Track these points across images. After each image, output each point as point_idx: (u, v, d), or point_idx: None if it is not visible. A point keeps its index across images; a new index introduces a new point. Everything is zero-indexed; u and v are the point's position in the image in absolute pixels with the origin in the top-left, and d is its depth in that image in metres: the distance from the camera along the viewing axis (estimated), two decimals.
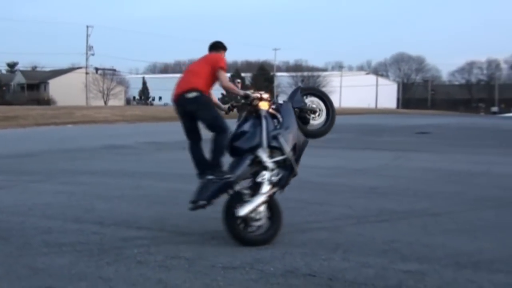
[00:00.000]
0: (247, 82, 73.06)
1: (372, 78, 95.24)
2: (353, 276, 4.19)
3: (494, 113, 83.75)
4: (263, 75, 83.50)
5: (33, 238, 5.30)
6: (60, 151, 14.56)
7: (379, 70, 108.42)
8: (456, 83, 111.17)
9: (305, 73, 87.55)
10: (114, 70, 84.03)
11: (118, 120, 33.96)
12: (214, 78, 5.63)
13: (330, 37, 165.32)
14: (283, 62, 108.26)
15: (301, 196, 7.71)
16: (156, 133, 21.72)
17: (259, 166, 5.33)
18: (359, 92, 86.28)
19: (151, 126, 28.87)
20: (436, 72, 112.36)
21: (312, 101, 5.98)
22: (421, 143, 18.92)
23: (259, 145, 5.34)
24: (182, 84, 5.56)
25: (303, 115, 5.84)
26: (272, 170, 5.34)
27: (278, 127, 5.52)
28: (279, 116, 5.60)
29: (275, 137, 5.40)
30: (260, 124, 5.45)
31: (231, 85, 5.75)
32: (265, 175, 5.28)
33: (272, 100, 5.79)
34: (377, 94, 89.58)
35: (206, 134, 5.70)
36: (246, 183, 5.35)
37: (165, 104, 78.58)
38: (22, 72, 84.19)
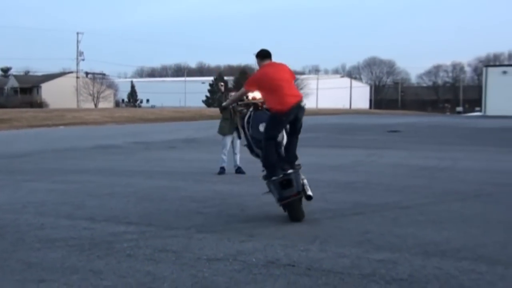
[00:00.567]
0: (230, 85, 73.13)
1: (346, 80, 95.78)
2: (330, 265, 4.20)
3: (459, 112, 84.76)
4: (244, 78, 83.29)
5: (26, 234, 5.22)
6: (52, 151, 14.38)
7: (352, 73, 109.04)
8: (424, 85, 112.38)
9: None
10: (104, 74, 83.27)
11: (107, 121, 33.66)
12: None
13: (308, 42, 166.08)
14: None
15: None
16: (144, 134, 21.56)
17: None
18: (334, 94, 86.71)
19: (139, 127, 28.65)
20: (405, 74, 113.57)
21: None
22: (392, 141, 19.08)
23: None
24: (296, 94, 6.00)
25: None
26: None
27: None
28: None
29: None
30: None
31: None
32: None
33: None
34: (351, 95, 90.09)
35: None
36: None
37: (152, 106, 78.19)
38: (16, 76, 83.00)
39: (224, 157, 9.92)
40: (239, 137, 9.31)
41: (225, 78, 72.88)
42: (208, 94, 79.99)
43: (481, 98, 57.08)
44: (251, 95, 6.20)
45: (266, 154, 5.85)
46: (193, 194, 7.42)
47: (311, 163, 11.62)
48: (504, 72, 52.93)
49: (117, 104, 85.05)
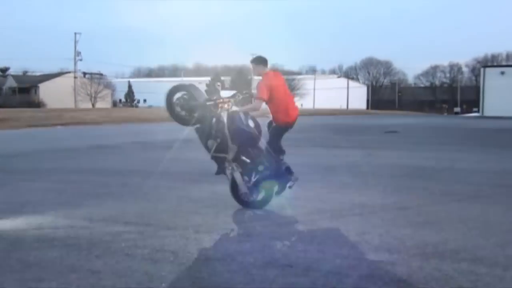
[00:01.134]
0: (227, 85, 73.04)
1: (343, 81, 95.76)
2: (328, 266, 4.20)
3: (457, 113, 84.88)
4: (241, 78, 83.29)
5: (25, 234, 5.21)
6: (50, 151, 14.34)
7: (350, 74, 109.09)
8: (421, 85, 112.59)
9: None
10: (101, 74, 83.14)
11: (105, 121, 33.60)
12: None
13: (305, 43, 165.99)
14: None
15: None
16: (142, 134, 21.52)
17: None
18: (331, 94, 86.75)
19: (136, 127, 28.61)
20: (402, 75, 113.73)
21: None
22: (390, 141, 19.09)
23: None
24: (296, 106, 6.89)
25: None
26: None
27: None
28: None
29: None
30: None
31: None
32: None
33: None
34: (348, 96, 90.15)
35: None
36: None
37: (150, 106, 78.02)
38: (14, 76, 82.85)
39: None
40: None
41: (222, 78, 72.54)
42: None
43: (479, 99, 57.14)
44: (224, 96, 6.30)
45: (278, 166, 6.35)
46: (191, 194, 7.42)
47: (307, 163, 11.61)
48: (502, 73, 52.96)
49: (114, 104, 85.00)
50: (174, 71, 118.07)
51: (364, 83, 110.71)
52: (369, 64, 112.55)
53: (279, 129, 6.62)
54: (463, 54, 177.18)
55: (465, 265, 4.22)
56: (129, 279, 3.91)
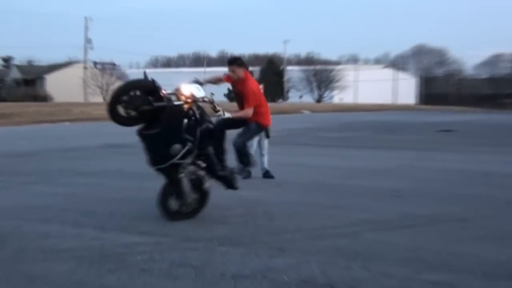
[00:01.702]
0: (255, 76, 72.43)
1: (390, 72, 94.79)
2: (375, 287, 4.12)
3: None
4: (272, 69, 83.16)
5: (30, 244, 5.27)
6: (56, 150, 14.56)
7: (397, 64, 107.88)
8: (481, 77, 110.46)
9: (318, 67, 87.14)
10: (114, 64, 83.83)
11: None
12: None
13: (345, 28, 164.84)
14: (294, 55, 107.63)
15: (314, 199, 7.65)
16: None
17: None
18: (375, 87, 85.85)
19: None
20: (459, 65, 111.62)
21: None
22: (445, 142, 18.77)
23: None
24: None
25: None
26: None
27: None
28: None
29: None
30: None
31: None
32: None
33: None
34: (395, 89, 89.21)
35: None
36: None
37: None
38: (18, 66, 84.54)
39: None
40: (267, 136, 9.28)
41: (251, 68, 72.41)
42: (231, 87, 79.87)
43: None
44: (185, 92, 6.30)
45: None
46: (215, 201, 7.35)
47: (349, 166, 11.51)
48: None
49: None
50: (195, 61, 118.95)
51: (414, 74, 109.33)
52: (420, 52, 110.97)
53: (257, 127, 7.90)
54: None
55: None
56: None
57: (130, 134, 6.93)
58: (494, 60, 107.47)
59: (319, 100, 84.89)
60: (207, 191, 6.54)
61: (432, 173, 10.66)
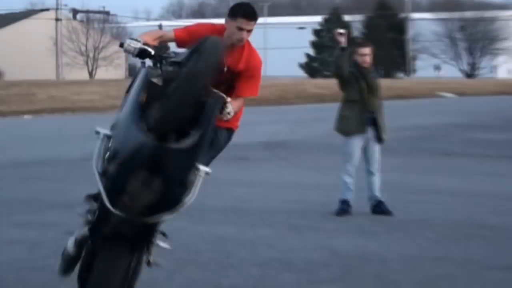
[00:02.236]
0: (356, 32, 49.63)
1: None
2: None
3: None
4: (384, 17, 54.69)
5: None
6: (11, 165, 11.07)
7: None
8: None
9: (468, 14, 57.71)
10: (107, 13, 59.18)
11: (113, 106, 22.99)
12: None
13: None
14: None
15: (467, 255, 5.48)
16: None
17: None
18: None
19: None
20: None
21: None
22: None
23: None
24: None
25: None
26: None
27: None
28: None
29: None
30: None
31: None
32: None
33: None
34: None
35: None
36: None
37: None
38: None
39: (349, 180, 7.21)
40: (379, 140, 7.12)
41: (346, 18, 51.82)
42: (311, 52, 55.37)
43: None
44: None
45: None
46: (288, 256, 5.44)
47: None
48: None
49: (131, 72, 47.99)
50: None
51: None
52: None
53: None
54: None
55: None
56: None
57: None
58: None
59: (470, 74, 59.11)
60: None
61: None
